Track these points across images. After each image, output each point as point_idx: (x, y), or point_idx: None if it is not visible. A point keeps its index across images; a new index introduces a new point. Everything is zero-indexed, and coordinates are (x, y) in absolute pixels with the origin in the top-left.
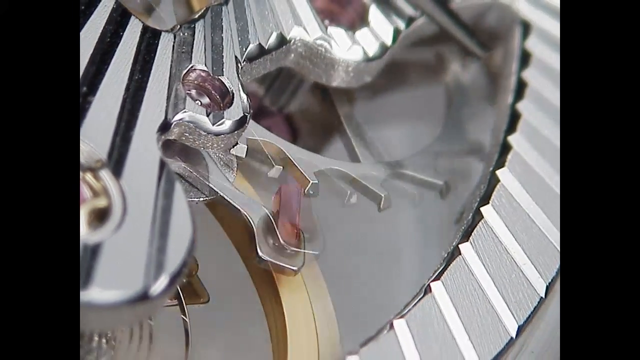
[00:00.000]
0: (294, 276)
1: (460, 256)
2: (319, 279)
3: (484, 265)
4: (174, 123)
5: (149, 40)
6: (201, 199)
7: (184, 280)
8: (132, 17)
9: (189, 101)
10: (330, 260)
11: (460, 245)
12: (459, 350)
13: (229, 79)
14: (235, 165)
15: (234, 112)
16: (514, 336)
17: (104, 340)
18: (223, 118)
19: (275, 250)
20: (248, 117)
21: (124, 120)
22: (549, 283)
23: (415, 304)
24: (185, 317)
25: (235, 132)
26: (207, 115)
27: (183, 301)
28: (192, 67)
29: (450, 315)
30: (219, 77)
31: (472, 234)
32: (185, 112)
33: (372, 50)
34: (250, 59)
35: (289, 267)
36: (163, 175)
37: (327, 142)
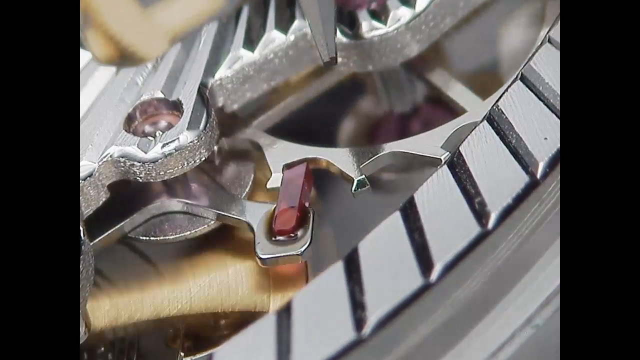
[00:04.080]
0: (302, 262)
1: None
2: None
3: None
4: (101, 164)
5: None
6: (207, 226)
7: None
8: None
9: (120, 135)
10: None
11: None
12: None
13: (184, 97)
14: (250, 182)
15: (171, 134)
16: None
17: None
18: (155, 144)
19: (275, 244)
20: (200, 132)
21: None
22: None
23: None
24: None
25: (180, 152)
26: (137, 145)
27: None
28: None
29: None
30: (174, 98)
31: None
32: (111, 148)
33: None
34: (232, 72)
35: (291, 254)
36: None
37: None
